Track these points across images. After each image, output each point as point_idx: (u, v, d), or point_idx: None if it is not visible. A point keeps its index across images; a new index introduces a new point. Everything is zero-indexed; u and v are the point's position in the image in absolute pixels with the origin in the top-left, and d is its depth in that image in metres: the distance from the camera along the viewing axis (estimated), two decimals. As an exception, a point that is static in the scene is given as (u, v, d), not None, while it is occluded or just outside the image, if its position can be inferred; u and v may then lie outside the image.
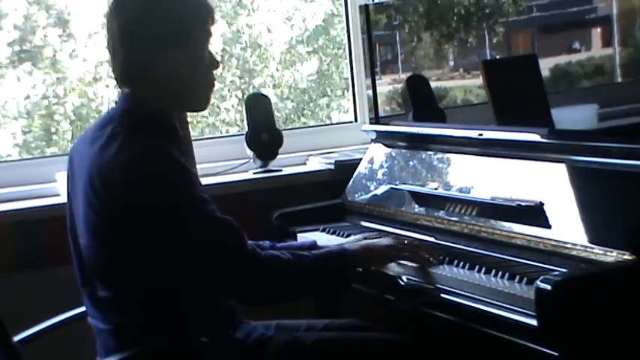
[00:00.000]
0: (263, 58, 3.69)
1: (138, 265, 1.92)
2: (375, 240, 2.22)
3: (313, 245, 2.32)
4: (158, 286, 1.94)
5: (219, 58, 2.11)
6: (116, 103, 2.07)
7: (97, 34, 3.34)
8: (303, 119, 3.80)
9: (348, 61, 3.55)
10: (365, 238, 2.32)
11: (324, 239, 2.54)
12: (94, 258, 1.97)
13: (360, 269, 2.13)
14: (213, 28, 2.07)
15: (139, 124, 1.97)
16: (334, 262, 2.07)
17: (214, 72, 2.09)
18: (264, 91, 3.50)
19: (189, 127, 2.78)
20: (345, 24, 3.54)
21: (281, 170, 3.15)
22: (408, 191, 2.58)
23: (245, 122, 3.13)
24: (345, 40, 3.56)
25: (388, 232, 2.47)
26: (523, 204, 2.15)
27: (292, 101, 3.76)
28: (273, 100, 3.50)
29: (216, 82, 2.12)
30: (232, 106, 3.64)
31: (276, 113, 3.26)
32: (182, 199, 1.91)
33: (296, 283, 2.04)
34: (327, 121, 3.77)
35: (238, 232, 1.95)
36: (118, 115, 2.01)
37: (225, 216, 1.95)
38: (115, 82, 2.09)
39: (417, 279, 2.15)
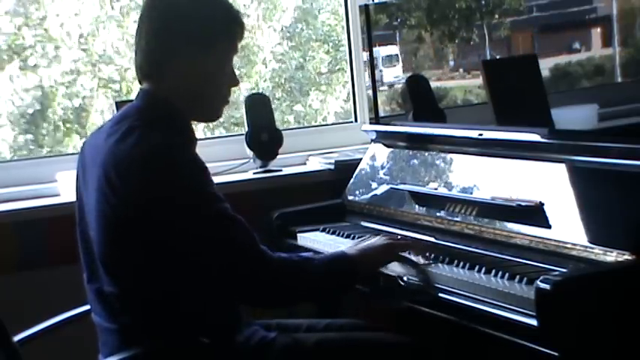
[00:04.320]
0: (249, 59, 3.70)
1: (148, 260, 1.92)
2: (370, 242, 2.20)
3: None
4: (165, 284, 1.94)
5: (239, 79, 2.12)
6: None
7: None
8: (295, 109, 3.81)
9: (347, 59, 3.56)
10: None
11: (324, 239, 2.55)
12: (105, 252, 1.96)
13: (363, 274, 2.12)
14: (240, 46, 2.09)
15: (155, 121, 1.97)
16: (338, 266, 2.07)
17: (232, 89, 2.10)
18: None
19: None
20: (345, 24, 3.54)
21: (281, 170, 3.15)
22: (408, 191, 2.58)
23: (245, 122, 3.14)
24: (345, 40, 3.56)
25: (388, 232, 2.47)
26: (523, 204, 2.15)
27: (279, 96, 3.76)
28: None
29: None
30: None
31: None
32: (197, 194, 1.92)
33: (304, 285, 2.03)
34: (315, 115, 3.79)
35: (249, 232, 1.95)
36: (134, 112, 2.01)
37: (238, 215, 1.95)
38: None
39: (416, 279, 2.15)
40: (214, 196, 1.94)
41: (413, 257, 2.18)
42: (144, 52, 2.01)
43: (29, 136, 3.35)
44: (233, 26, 2.05)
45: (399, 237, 2.26)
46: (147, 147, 1.90)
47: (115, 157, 1.92)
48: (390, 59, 3.05)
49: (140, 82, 2.07)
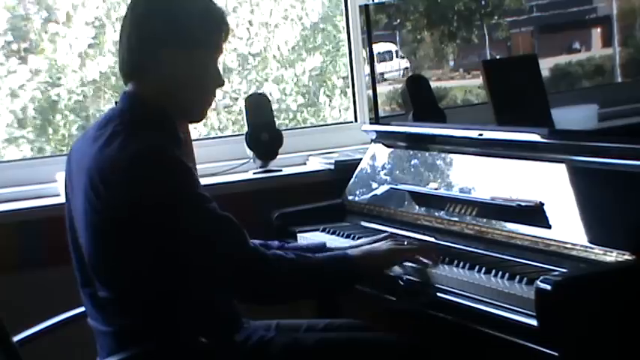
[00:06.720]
0: (263, 57, 3.69)
1: (139, 264, 1.92)
2: (375, 245, 2.20)
3: (322, 246, 2.31)
4: (159, 286, 1.94)
5: (224, 78, 2.11)
6: (116, 103, 2.08)
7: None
8: (304, 115, 3.80)
9: (347, 60, 3.55)
10: (375, 242, 2.31)
11: (324, 239, 2.55)
12: (95, 258, 1.96)
13: (364, 276, 2.12)
14: (225, 46, 2.08)
15: (139, 123, 1.97)
16: (337, 266, 2.06)
17: (216, 89, 2.09)
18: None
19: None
20: (345, 24, 3.54)
21: (281, 170, 3.15)
22: (408, 191, 2.58)
23: (245, 122, 3.14)
24: (345, 40, 3.56)
25: (389, 232, 2.47)
26: (523, 204, 2.15)
27: (294, 100, 3.76)
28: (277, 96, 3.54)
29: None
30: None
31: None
32: (183, 196, 1.91)
33: (297, 284, 2.03)
34: (328, 119, 3.78)
35: (239, 230, 1.95)
36: (118, 114, 2.00)
37: (227, 213, 1.95)
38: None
39: (417, 279, 2.15)
40: (200, 196, 1.93)
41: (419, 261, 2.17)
42: (127, 53, 2.01)
43: (36, 136, 3.36)
44: (216, 27, 2.03)
45: (405, 242, 2.24)
46: (130, 152, 1.89)
47: (100, 163, 1.92)
48: (389, 58, 3.05)
49: (125, 83, 2.06)
